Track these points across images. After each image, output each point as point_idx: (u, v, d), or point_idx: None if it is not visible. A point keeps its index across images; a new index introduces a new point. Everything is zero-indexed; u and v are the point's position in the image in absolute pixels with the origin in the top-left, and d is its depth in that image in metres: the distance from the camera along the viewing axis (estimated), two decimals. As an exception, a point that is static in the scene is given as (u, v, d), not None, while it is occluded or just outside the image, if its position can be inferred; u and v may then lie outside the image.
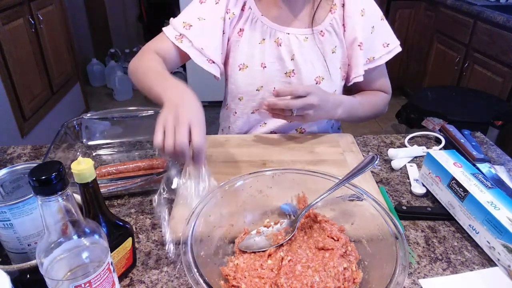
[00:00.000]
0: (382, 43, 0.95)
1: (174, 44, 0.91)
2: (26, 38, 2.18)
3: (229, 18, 0.92)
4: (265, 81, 0.96)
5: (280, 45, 0.94)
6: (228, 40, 0.96)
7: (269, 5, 0.94)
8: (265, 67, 0.95)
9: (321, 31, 0.93)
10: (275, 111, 0.85)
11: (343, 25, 0.94)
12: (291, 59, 0.94)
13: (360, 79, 0.95)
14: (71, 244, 0.43)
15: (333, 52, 0.94)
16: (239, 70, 0.96)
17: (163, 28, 0.94)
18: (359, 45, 0.93)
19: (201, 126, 0.63)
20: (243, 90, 0.97)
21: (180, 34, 0.91)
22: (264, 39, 0.94)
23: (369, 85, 1.02)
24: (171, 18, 0.96)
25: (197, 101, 0.67)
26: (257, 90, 0.97)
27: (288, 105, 0.82)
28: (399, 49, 0.97)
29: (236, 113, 1.03)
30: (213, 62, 0.92)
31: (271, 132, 1.02)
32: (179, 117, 0.62)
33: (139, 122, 0.93)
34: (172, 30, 0.92)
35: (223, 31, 0.93)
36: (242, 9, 0.94)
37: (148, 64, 0.85)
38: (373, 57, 0.95)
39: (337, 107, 0.91)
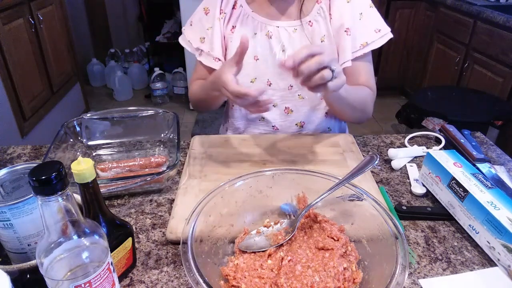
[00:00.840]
0: (374, 29, 0.95)
1: (199, 60, 1.02)
2: (26, 38, 2.18)
3: (222, 18, 0.98)
4: (258, 73, 0.99)
5: (270, 37, 0.97)
6: (224, 38, 1.00)
7: (260, 2, 0.98)
8: (258, 59, 0.98)
9: (310, 21, 0.96)
10: (307, 80, 0.68)
11: (330, 14, 0.95)
12: (282, 51, 0.97)
13: (349, 64, 0.94)
14: (71, 244, 0.43)
15: (322, 41, 0.96)
16: None
17: (182, 43, 1.05)
18: (345, 31, 0.93)
19: (225, 83, 0.74)
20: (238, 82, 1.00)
21: (198, 49, 1.01)
22: (255, 33, 0.98)
23: (356, 77, 0.98)
24: (184, 29, 1.05)
25: (219, 71, 0.79)
26: (251, 81, 1.00)
27: (322, 62, 0.65)
28: (391, 35, 0.96)
29: (233, 106, 1.07)
30: (219, 60, 0.99)
31: (273, 127, 1.04)
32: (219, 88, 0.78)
33: (139, 122, 0.93)
34: (193, 49, 1.02)
35: (220, 30, 0.99)
36: (234, 8, 0.99)
37: (194, 89, 1.03)
38: (366, 42, 0.95)
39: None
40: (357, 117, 1.00)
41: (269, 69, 0.98)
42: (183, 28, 1.05)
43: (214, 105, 1.00)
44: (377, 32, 0.95)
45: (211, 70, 1.00)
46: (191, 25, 1.03)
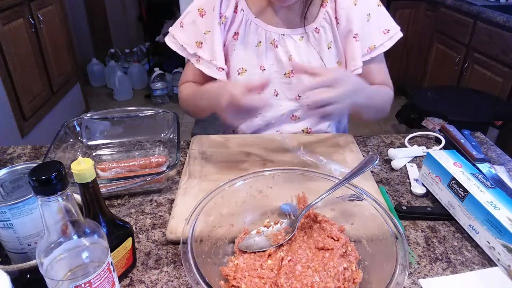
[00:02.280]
0: (382, 30, 0.92)
1: (197, 67, 0.96)
2: (26, 38, 2.18)
3: (222, 23, 0.92)
4: None
5: (276, 46, 0.93)
6: (224, 45, 0.95)
7: (262, 6, 0.93)
8: (264, 69, 0.94)
9: (316, 28, 0.92)
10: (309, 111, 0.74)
11: (336, 17, 0.92)
12: (289, 60, 0.94)
13: (359, 71, 0.92)
14: (71, 244, 0.43)
15: (329, 48, 0.93)
16: (238, 74, 0.95)
17: (171, 45, 0.98)
18: (354, 37, 0.90)
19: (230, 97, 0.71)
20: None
21: (195, 54, 0.95)
22: (260, 42, 0.93)
23: (370, 79, 0.97)
24: (171, 30, 0.97)
25: (219, 85, 0.77)
26: (258, 93, 0.96)
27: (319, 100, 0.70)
28: (400, 34, 0.93)
29: None
30: (222, 70, 0.93)
31: (277, 132, 1.02)
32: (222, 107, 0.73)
33: (139, 122, 0.93)
34: (188, 54, 0.96)
35: (222, 37, 0.93)
36: (235, 11, 0.92)
37: (185, 94, 0.97)
38: (374, 45, 0.92)
39: (362, 90, 0.79)
40: (376, 118, 1.00)
41: (276, 79, 0.95)
42: (170, 29, 0.98)
43: (204, 115, 0.96)
44: (385, 33, 0.92)
45: (209, 78, 0.94)
46: (181, 26, 0.96)
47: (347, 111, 0.76)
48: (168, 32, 0.99)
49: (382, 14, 0.93)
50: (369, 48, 0.92)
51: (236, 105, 0.70)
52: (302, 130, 1.01)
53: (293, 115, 0.99)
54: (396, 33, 0.93)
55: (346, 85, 0.71)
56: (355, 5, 0.90)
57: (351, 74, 0.81)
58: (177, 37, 0.96)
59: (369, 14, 0.91)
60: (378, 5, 0.93)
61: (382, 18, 0.93)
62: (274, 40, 0.93)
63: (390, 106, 0.98)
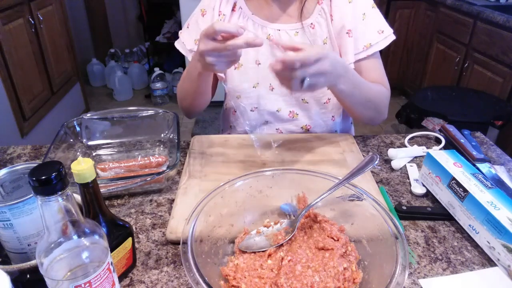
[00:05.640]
0: (377, 30, 0.93)
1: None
2: (26, 38, 2.18)
3: (221, 19, 0.95)
4: (261, 78, 0.97)
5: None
6: None
7: (260, 4, 0.96)
8: (260, 64, 0.96)
9: (311, 23, 0.94)
10: (282, 78, 0.71)
11: (331, 14, 0.93)
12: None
13: (351, 67, 0.92)
14: (71, 244, 0.43)
15: (324, 43, 0.94)
16: (235, 69, 0.97)
17: (177, 46, 1.02)
18: (347, 33, 0.92)
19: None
20: (240, 88, 0.99)
21: (191, 50, 0.99)
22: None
23: (365, 76, 0.94)
24: (180, 32, 1.01)
25: None
26: (253, 87, 0.98)
27: (296, 75, 0.67)
28: (393, 36, 0.95)
29: (235, 112, 1.05)
30: None
31: (277, 130, 1.03)
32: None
33: (139, 122, 0.93)
34: (187, 51, 1.00)
35: None
36: (233, 10, 0.97)
37: (179, 84, 0.99)
38: (370, 44, 0.93)
39: (345, 72, 0.77)
40: (370, 116, 0.94)
41: (271, 73, 0.96)
42: (180, 32, 1.03)
43: (198, 96, 0.94)
44: (380, 33, 0.93)
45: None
46: (188, 27, 1.00)
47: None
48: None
49: (377, 15, 0.95)
50: (365, 46, 0.93)
51: (210, 35, 0.68)
52: (302, 128, 1.02)
53: (290, 111, 1.00)
54: (389, 35, 0.94)
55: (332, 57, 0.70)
56: (350, 2, 0.92)
57: (336, 55, 0.78)
58: (181, 36, 1.01)
59: (364, 14, 0.93)
60: (372, 7, 0.95)
61: (377, 19, 0.95)
62: (269, 35, 0.95)
63: (387, 106, 0.96)
